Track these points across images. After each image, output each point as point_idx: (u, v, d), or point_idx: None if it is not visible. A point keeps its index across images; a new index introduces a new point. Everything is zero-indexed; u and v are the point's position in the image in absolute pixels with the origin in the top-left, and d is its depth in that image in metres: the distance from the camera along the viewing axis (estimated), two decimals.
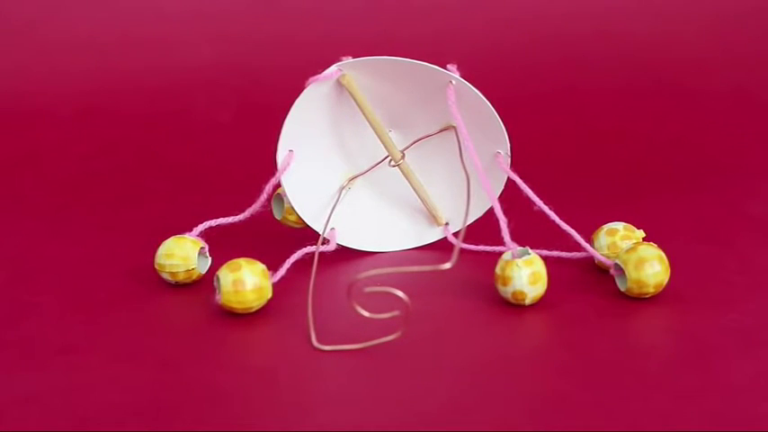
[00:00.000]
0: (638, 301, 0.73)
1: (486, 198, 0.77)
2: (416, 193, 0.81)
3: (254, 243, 0.81)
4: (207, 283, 0.76)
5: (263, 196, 0.78)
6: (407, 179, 0.81)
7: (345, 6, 1.15)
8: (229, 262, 0.72)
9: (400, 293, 0.65)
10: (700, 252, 0.81)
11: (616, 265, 0.73)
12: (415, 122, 0.80)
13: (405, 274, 0.74)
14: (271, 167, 0.78)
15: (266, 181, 0.78)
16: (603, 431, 0.61)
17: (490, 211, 0.75)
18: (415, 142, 0.80)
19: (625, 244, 0.76)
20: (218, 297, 0.72)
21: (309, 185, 0.80)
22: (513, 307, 0.73)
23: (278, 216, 0.81)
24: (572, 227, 0.76)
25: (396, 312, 0.66)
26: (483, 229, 0.79)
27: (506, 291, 0.72)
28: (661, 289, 0.73)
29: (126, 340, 0.71)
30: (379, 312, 0.67)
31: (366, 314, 0.67)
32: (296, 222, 0.81)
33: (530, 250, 0.73)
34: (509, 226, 0.73)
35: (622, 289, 0.74)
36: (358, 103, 0.78)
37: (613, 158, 1.00)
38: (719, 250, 0.81)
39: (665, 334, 0.72)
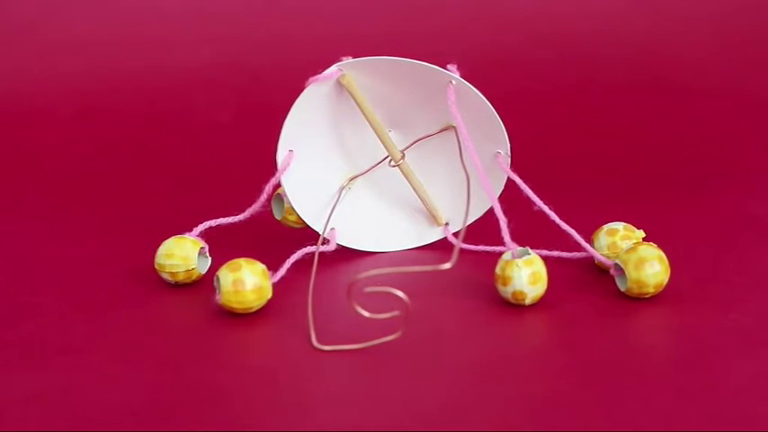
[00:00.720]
0: (638, 301, 0.73)
1: (486, 198, 0.77)
2: (416, 193, 0.81)
3: (254, 243, 0.81)
4: (207, 283, 0.76)
5: (263, 196, 0.78)
6: (407, 179, 0.81)
7: (345, 6, 1.15)
8: (229, 262, 0.72)
9: (400, 293, 0.65)
10: (700, 252, 0.81)
11: (616, 265, 0.73)
12: (415, 122, 0.80)
13: (405, 274, 0.74)
14: (271, 167, 0.78)
15: (266, 181, 0.78)
16: (603, 431, 0.61)
17: (490, 211, 0.75)
18: (415, 142, 0.80)
19: (625, 244, 0.76)
20: (218, 297, 0.72)
21: (309, 185, 0.80)
22: (513, 307, 0.73)
23: (278, 216, 0.81)
24: (572, 227, 0.76)
25: (396, 312, 0.67)
26: (483, 229, 0.79)
27: (506, 291, 0.72)
28: (661, 289, 0.73)
29: (126, 340, 0.71)
30: (379, 312, 0.67)
31: (366, 314, 0.67)
32: (296, 222, 0.81)
33: (530, 250, 0.73)
34: (509, 226, 0.73)
35: (622, 289, 0.74)
36: (358, 103, 0.78)
37: (613, 158, 1.00)
38: (719, 250, 0.81)
39: (665, 334, 0.72)
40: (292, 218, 0.80)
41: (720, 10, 1.16)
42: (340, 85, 0.77)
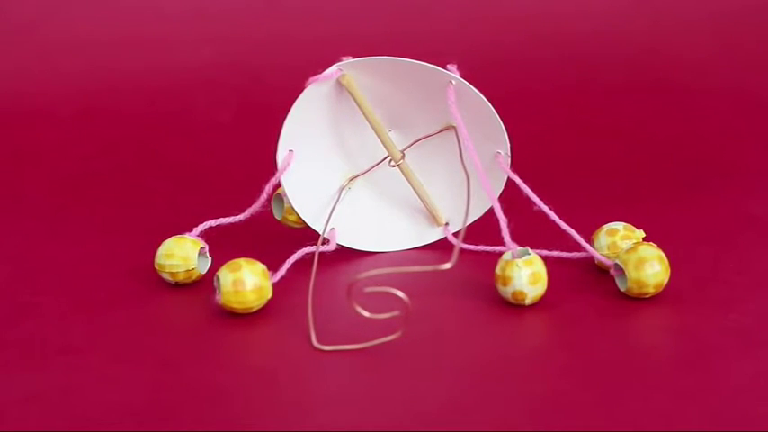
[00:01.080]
0: (638, 301, 0.73)
1: (486, 198, 0.77)
2: (416, 193, 0.81)
3: (254, 243, 0.81)
4: (207, 283, 0.76)
5: (263, 196, 0.78)
6: (407, 179, 0.81)
7: (345, 6, 1.15)
8: (229, 262, 0.72)
9: (400, 293, 0.65)
10: (700, 252, 0.81)
11: (616, 265, 0.73)
12: (415, 122, 0.80)
13: (405, 274, 0.74)
14: (271, 167, 0.78)
15: (266, 181, 0.78)
16: (603, 431, 0.61)
17: (490, 211, 0.75)
18: (415, 142, 0.80)
19: (625, 244, 0.76)
20: (218, 297, 0.72)
21: (309, 185, 0.80)
22: (513, 307, 0.73)
23: (278, 216, 0.81)
24: (572, 227, 0.76)
25: (396, 312, 0.67)
26: (483, 229, 0.79)
27: (506, 291, 0.72)
28: (661, 289, 0.73)
29: (126, 340, 0.71)
30: (379, 312, 0.67)
31: (366, 314, 0.67)
32: (296, 222, 0.81)
33: (530, 250, 0.73)
34: (509, 226, 0.73)
35: (622, 289, 0.74)
36: (358, 103, 0.78)
37: (613, 158, 1.00)
38: (719, 250, 0.81)
39: (665, 334, 0.72)
40: (292, 218, 0.80)
41: (720, 10, 1.16)
42: (340, 85, 0.77)
